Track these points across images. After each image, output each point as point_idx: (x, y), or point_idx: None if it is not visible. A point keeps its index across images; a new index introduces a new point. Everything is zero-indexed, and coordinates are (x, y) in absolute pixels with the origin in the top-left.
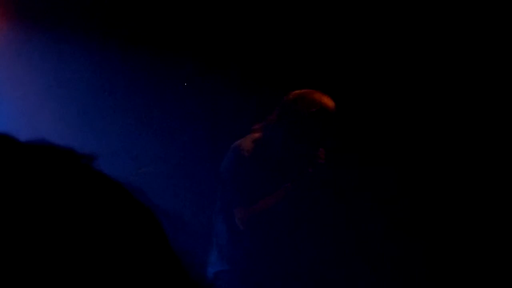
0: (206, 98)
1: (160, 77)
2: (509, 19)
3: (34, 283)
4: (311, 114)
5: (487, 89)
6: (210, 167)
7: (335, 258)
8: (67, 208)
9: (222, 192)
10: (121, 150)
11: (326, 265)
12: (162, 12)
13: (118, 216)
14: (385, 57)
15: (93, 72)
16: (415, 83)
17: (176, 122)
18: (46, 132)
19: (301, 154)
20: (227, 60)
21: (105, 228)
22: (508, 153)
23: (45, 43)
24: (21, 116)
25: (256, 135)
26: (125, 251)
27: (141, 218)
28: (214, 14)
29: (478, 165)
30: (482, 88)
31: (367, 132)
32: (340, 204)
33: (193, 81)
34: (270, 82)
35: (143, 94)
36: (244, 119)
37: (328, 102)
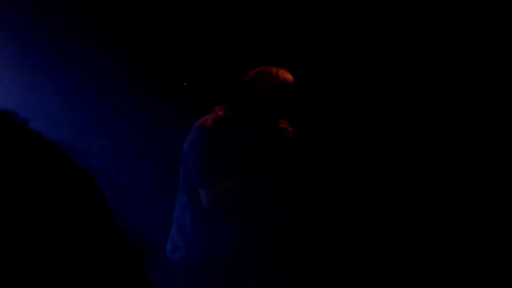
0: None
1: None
2: (509, 19)
3: None
4: (270, 89)
5: (487, 89)
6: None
7: (304, 238)
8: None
9: (185, 172)
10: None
11: (293, 247)
12: None
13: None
14: (383, 57)
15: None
16: (414, 82)
17: (136, 100)
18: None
19: (265, 132)
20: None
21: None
22: (508, 153)
23: None
24: None
25: (220, 113)
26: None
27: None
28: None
29: (478, 165)
30: (482, 88)
31: (366, 131)
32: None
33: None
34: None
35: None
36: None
37: (287, 75)
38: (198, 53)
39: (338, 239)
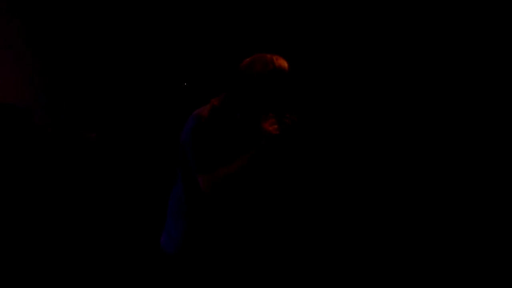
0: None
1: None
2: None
3: None
4: (266, 74)
5: (487, 89)
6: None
7: (302, 227)
8: None
9: (182, 161)
10: None
11: (292, 233)
12: None
13: None
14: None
15: None
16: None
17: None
18: None
19: (261, 117)
20: None
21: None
22: (508, 153)
23: None
24: None
25: (215, 103)
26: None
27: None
28: None
29: (478, 165)
30: (482, 88)
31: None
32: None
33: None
34: None
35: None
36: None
37: (281, 61)
38: (198, 53)
39: (337, 239)
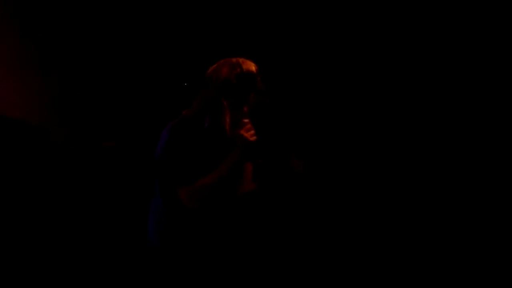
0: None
1: None
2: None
3: None
4: (232, 77)
5: (487, 89)
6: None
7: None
8: None
9: (160, 178)
10: None
11: (277, 237)
12: None
13: None
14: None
15: None
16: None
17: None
18: None
19: (234, 122)
20: None
21: None
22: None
23: None
24: None
25: (187, 113)
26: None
27: None
28: None
29: (478, 165)
30: (482, 88)
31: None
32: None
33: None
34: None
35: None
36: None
37: (248, 63)
38: (198, 53)
39: (336, 239)
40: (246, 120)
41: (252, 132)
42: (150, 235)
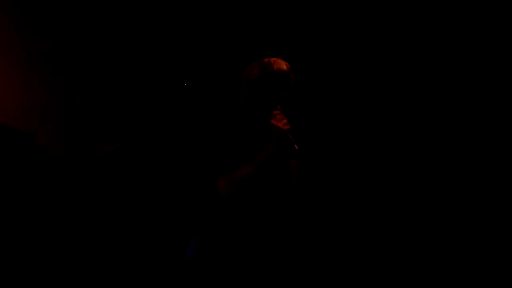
0: None
1: None
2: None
3: None
4: (265, 77)
5: (487, 89)
6: None
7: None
8: None
9: (197, 172)
10: None
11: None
12: None
13: None
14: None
15: None
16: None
17: None
18: None
19: (266, 117)
20: None
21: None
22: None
23: None
24: None
25: (228, 115)
26: None
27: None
28: None
29: (478, 165)
30: (482, 88)
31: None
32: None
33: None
34: None
35: None
36: None
37: (280, 63)
38: (198, 53)
39: (339, 239)
40: (276, 112)
41: (285, 121)
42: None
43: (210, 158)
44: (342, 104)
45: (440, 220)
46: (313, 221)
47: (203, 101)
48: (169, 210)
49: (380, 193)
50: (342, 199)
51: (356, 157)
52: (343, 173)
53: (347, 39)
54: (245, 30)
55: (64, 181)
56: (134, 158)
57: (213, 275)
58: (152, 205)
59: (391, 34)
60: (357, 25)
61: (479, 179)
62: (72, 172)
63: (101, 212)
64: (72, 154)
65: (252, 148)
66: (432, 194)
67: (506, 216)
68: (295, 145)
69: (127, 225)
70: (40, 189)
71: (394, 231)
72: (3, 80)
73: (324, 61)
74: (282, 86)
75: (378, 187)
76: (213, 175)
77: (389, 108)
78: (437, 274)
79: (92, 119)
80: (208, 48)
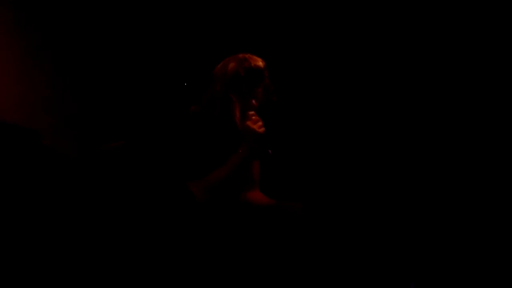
0: None
1: None
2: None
3: None
4: (241, 72)
5: (487, 89)
6: None
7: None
8: None
9: (170, 173)
10: None
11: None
12: None
13: None
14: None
15: None
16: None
17: None
18: None
19: (243, 116)
20: None
21: None
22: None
23: None
24: None
25: (197, 110)
26: None
27: None
28: None
29: (479, 166)
30: (482, 88)
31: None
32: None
33: None
34: None
35: None
36: None
37: (255, 59)
38: (198, 53)
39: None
40: (251, 112)
41: (260, 123)
42: None
43: (183, 159)
44: (322, 105)
45: (440, 220)
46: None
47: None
48: (165, 209)
49: (377, 193)
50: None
51: (334, 163)
52: (321, 177)
53: (326, 36)
54: (221, 27)
55: (68, 179)
56: (137, 155)
57: (200, 275)
58: (149, 204)
59: (383, 33)
60: (337, 22)
61: (479, 179)
62: (76, 169)
63: (102, 211)
64: (75, 151)
65: (225, 148)
66: (432, 194)
67: (506, 216)
68: (269, 150)
69: (127, 225)
70: (44, 186)
71: (394, 231)
72: (6, 76)
73: (300, 61)
74: (258, 83)
75: (377, 187)
76: (186, 177)
77: (374, 108)
78: (437, 274)
79: (96, 116)
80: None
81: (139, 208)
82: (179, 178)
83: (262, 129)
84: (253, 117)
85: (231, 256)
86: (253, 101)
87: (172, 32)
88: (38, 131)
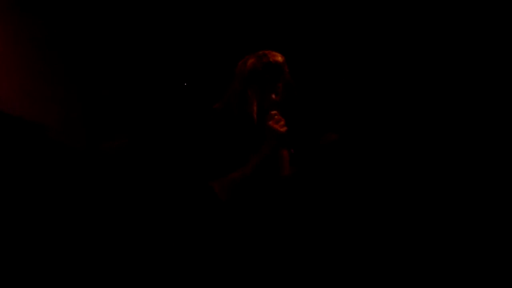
0: None
1: None
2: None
3: None
4: (261, 67)
5: (487, 89)
6: None
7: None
8: None
9: (190, 172)
10: None
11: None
12: None
13: None
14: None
15: None
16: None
17: None
18: None
19: (263, 112)
20: None
21: None
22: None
23: None
24: None
25: (218, 107)
26: None
27: None
28: None
29: (479, 166)
30: (482, 88)
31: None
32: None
33: None
34: None
35: None
36: None
37: (275, 55)
38: (197, 53)
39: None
40: (274, 112)
41: (282, 123)
42: None
43: (204, 158)
44: (342, 105)
45: (440, 220)
46: (311, 218)
47: (200, 100)
48: (170, 209)
49: (381, 193)
50: (340, 200)
51: (355, 161)
52: (342, 177)
53: (344, 37)
54: (238, 27)
55: (70, 175)
56: (141, 153)
57: (213, 275)
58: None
59: (387, 34)
60: (353, 23)
61: (479, 179)
62: (79, 166)
63: (103, 210)
64: (81, 145)
65: (247, 148)
66: (431, 194)
67: (506, 216)
68: (291, 149)
69: (128, 224)
70: (50, 179)
71: (393, 231)
72: (11, 70)
73: (321, 59)
74: (278, 78)
75: (379, 189)
76: (207, 176)
77: (389, 108)
78: (437, 274)
79: (100, 114)
80: (203, 46)
81: (150, 206)
82: (200, 177)
83: (284, 129)
84: (276, 117)
85: (251, 256)
86: (273, 96)
87: (173, 32)
88: (44, 124)
